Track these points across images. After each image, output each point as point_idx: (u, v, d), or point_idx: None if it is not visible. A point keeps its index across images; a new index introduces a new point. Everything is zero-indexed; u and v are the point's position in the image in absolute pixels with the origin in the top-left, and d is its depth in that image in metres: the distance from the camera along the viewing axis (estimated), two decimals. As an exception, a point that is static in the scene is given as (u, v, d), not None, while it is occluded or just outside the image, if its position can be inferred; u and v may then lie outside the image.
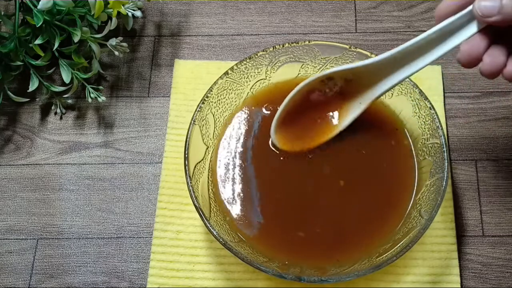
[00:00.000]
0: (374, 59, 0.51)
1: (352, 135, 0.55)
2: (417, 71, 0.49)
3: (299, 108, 0.55)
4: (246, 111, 0.58)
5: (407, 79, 0.55)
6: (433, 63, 0.48)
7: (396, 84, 0.51)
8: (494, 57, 0.44)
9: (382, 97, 0.57)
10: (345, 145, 0.55)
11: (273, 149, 0.56)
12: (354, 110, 0.54)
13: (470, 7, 0.44)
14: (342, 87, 0.54)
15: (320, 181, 0.55)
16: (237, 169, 0.56)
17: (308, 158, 0.55)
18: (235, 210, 0.54)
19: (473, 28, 0.45)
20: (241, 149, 0.56)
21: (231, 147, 0.57)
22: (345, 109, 0.55)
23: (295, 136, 0.56)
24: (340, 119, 0.55)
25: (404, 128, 0.56)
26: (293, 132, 0.56)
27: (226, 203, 0.54)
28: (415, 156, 0.55)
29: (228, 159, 0.56)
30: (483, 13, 0.43)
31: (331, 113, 0.56)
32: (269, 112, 0.58)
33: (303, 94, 0.54)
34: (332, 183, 0.54)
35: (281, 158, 0.55)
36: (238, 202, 0.54)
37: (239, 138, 0.57)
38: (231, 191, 0.55)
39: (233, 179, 0.55)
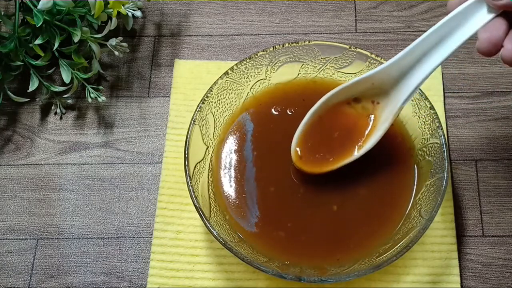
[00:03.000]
0: (391, 59, 0.49)
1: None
2: (437, 66, 0.47)
3: (321, 126, 0.54)
4: (247, 111, 0.58)
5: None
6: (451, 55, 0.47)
7: (419, 84, 0.49)
8: None
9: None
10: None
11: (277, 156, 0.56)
12: (377, 131, 0.53)
13: None
14: (365, 106, 0.53)
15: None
16: (237, 169, 0.56)
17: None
18: (235, 210, 0.54)
19: (487, 14, 0.43)
20: (242, 150, 0.56)
21: (231, 147, 0.57)
22: (369, 130, 0.53)
23: (314, 156, 0.54)
24: (364, 141, 0.53)
25: (404, 128, 0.56)
26: (312, 151, 0.54)
27: (226, 203, 0.54)
28: (415, 156, 0.55)
29: (228, 159, 0.56)
30: None
31: (354, 134, 0.54)
32: (277, 113, 0.58)
33: (325, 112, 0.53)
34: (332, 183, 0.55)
35: (282, 159, 0.55)
36: (238, 202, 0.54)
37: (240, 139, 0.57)
38: (231, 191, 0.55)
39: (234, 179, 0.55)
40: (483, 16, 0.44)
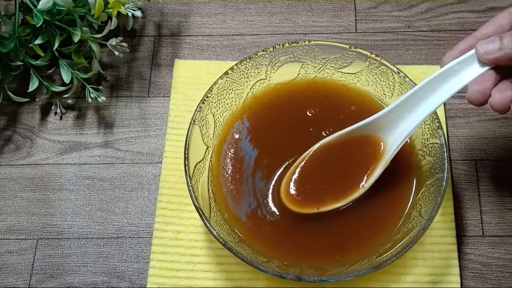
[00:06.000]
0: (383, 111, 0.51)
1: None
2: (431, 112, 0.49)
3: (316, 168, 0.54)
4: (248, 111, 0.58)
5: (408, 79, 0.55)
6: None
7: (414, 129, 0.51)
8: (503, 91, 0.45)
9: (382, 97, 0.58)
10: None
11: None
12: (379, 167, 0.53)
13: (473, 50, 0.46)
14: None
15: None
16: (237, 170, 0.56)
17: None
18: (235, 210, 0.54)
19: (480, 68, 0.46)
20: (242, 150, 0.56)
21: (231, 147, 0.57)
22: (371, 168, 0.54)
23: (307, 199, 0.54)
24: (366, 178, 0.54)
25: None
26: (305, 194, 0.54)
27: (225, 203, 0.54)
28: (415, 156, 0.55)
29: (228, 159, 0.56)
30: (485, 52, 0.45)
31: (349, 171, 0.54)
32: (277, 112, 0.58)
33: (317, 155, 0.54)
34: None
35: (282, 159, 0.55)
36: (238, 202, 0.54)
37: (240, 139, 0.57)
38: (231, 191, 0.55)
39: (233, 179, 0.55)
40: (475, 69, 0.46)
